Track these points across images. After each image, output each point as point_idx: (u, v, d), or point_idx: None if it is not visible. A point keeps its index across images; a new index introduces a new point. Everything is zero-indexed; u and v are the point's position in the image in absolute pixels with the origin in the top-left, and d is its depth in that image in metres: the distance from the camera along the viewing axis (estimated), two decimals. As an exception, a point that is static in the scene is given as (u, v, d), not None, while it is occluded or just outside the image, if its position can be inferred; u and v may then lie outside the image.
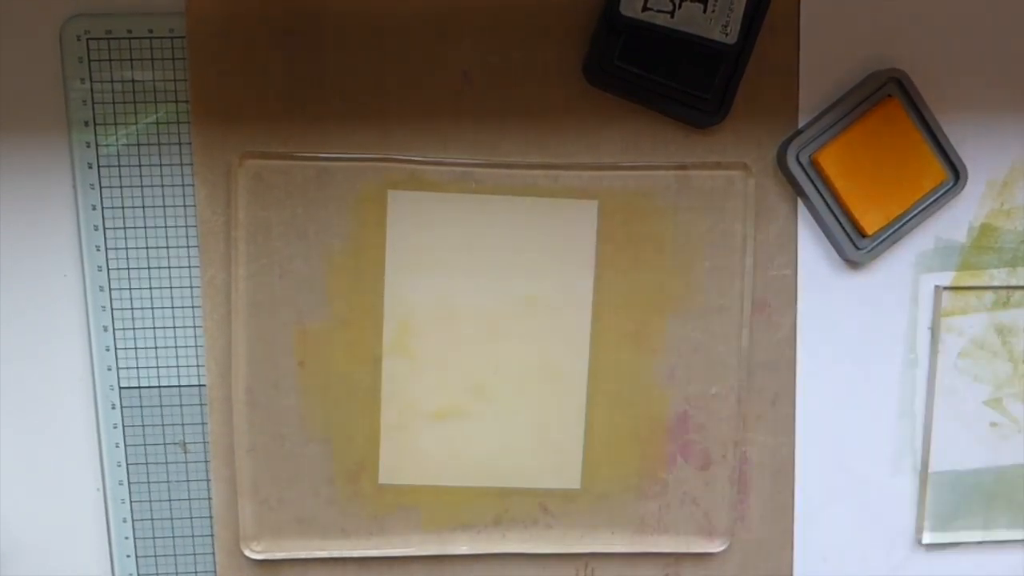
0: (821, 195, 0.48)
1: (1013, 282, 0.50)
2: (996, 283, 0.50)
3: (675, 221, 0.49)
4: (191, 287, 0.48)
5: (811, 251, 0.50)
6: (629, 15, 0.44)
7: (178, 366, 0.49)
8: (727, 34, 0.45)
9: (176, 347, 0.49)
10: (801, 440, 0.51)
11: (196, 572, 0.51)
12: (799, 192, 0.48)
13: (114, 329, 0.48)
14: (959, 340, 0.51)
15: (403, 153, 0.47)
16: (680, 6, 0.44)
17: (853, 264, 0.50)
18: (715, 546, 0.51)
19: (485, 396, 0.49)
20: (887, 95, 0.47)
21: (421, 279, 0.48)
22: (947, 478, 0.52)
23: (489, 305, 0.49)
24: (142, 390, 0.49)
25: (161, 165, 0.47)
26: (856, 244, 0.49)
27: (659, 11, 0.44)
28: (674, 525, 0.51)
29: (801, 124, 0.48)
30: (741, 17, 0.45)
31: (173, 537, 0.51)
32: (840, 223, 0.48)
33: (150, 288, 0.48)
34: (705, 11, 0.44)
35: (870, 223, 0.48)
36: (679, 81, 0.46)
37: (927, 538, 0.52)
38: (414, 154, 0.47)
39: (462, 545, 0.51)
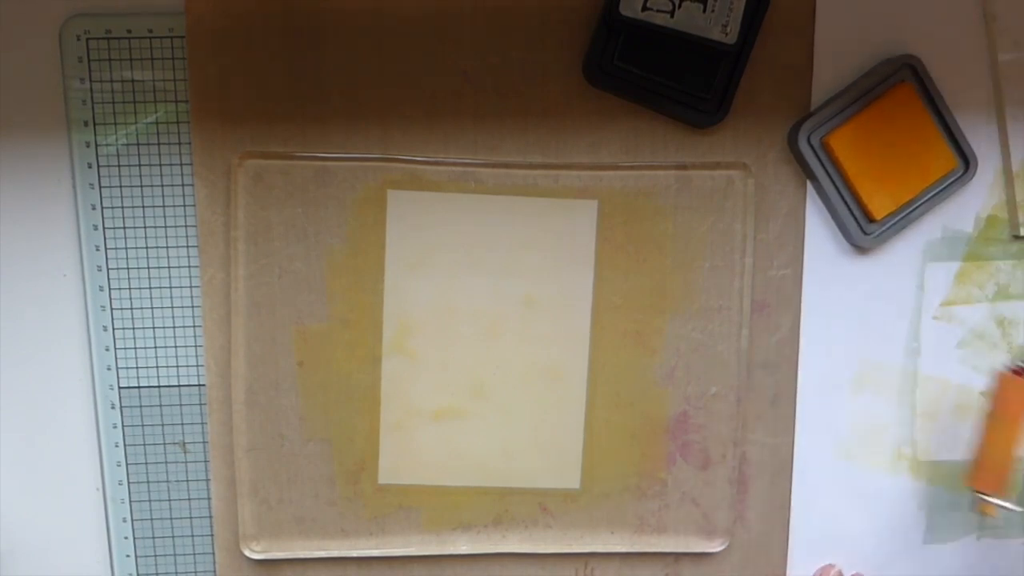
0: (831, 178, 0.48)
1: (1018, 275, 0.50)
2: (1001, 275, 0.50)
3: (675, 221, 0.49)
4: (191, 287, 0.48)
5: (819, 239, 0.49)
6: (629, 15, 0.44)
7: (178, 366, 0.49)
8: (727, 34, 0.45)
9: (176, 347, 0.49)
10: (801, 440, 0.51)
11: (196, 572, 0.51)
12: (809, 175, 0.48)
13: (114, 329, 0.48)
14: (959, 330, 0.51)
15: (403, 153, 0.47)
16: (680, 6, 0.44)
17: (860, 249, 0.50)
18: (715, 546, 0.51)
19: (485, 396, 0.49)
20: (901, 80, 0.47)
21: (421, 279, 0.48)
22: (945, 468, 0.52)
23: (489, 305, 0.49)
24: (142, 390, 0.49)
25: (161, 165, 0.47)
26: (864, 229, 0.49)
27: (659, 11, 0.44)
28: (674, 525, 0.51)
29: (813, 107, 0.48)
30: (741, 17, 0.45)
31: (173, 537, 0.51)
32: (849, 207, 0.48)
33: (150, 288, 0.48)
34: (705, 11, 0.44)
35: (878, 208, 0.48)
36: (679, 81, 0.46)
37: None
38: (414, 154, 0.47)
39: (462, 545, 0.51)
